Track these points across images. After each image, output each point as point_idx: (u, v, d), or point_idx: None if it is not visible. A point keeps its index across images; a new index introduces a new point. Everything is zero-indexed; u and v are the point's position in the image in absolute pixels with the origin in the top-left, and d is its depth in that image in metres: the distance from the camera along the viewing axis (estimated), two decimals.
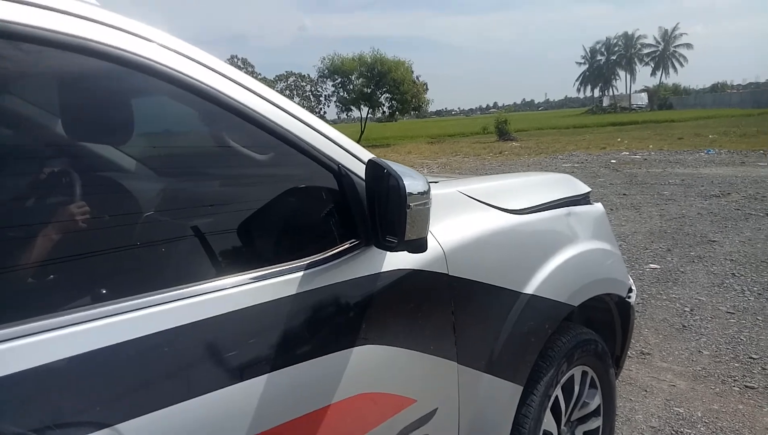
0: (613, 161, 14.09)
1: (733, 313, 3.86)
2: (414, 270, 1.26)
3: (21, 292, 0.86)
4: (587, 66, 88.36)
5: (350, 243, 1.16)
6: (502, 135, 26.65)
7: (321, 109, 33.76)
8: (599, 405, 1.99)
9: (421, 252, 1.15)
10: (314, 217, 1.18)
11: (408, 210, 1.05)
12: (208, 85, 0.98)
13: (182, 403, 0.84)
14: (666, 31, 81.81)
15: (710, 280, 4.61)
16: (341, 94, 32.90)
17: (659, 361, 3.22)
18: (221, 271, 1.00)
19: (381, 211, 1.12)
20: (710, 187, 9.27)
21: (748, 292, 4.26)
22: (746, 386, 2.89)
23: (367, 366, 1.14)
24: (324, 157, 1.15)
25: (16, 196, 0.91)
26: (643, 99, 69.78)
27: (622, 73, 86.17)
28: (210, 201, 1.15)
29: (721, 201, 8.13)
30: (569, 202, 1.90)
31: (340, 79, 32.43)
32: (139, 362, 0.82)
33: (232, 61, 32.74)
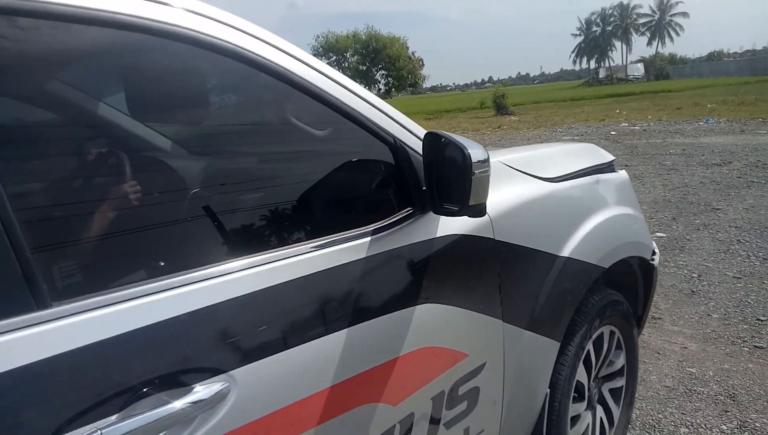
0: (612, 133, 14.11)
1: (740, 278, 3.96)
2: (464, 235, 1.35)
3: (143, 258, 0.98)
4: (583, 37, 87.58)
5: (406, 211, 1.25)
6: (499, 109, 26.54)
7: None
8: (623, 365, 2.11)
9: (481, 216, 1.25)
10: (374, 188, 1.28)
11: (472, 177, 1.13)
12: (280, 66, 1.07)
13: (279, 353, 0.95)
14: (662, 0, 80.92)
15: (716, 246, 4.70)
16: None
17: (670, 325, 3.33)
18: (299, 238, 1.10)
19: (441, 180, 1.20)
20: (711, 156, 9.33)
21: (754, 258, 4.35)
22: (755, 346, 2.99)
23: (428, 323, 1.24)
24: (381, 131, 1.23)
25: (115, 173, 1.01)
26: (639, 69, 69.35)
27: (618, 43, 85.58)
28: (285, 175, 1.25)
29: (722, 169, 8.19)
30: (597, 170, 2.00)
31: (334, 57, 32.17)
32: (246, 316, 0.94)
33: None
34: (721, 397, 2.56)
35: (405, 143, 1.26)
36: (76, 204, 0.94)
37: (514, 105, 28.11)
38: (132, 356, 0.81)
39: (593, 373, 1.94)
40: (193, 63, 1.04)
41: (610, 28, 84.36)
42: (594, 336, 1.87)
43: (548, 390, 1.66)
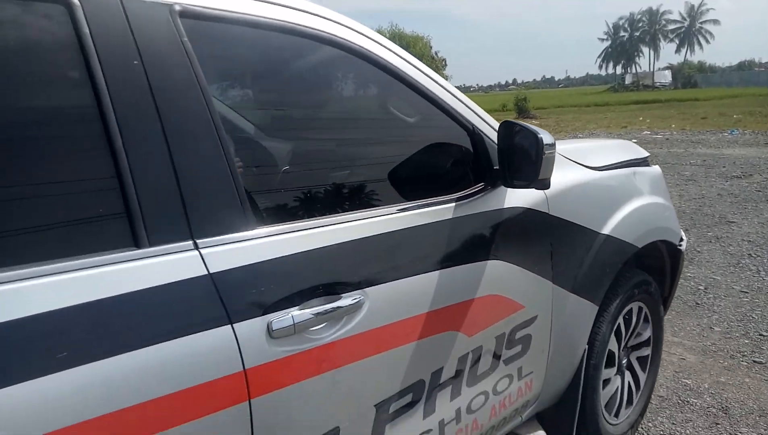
0: (633, 141, 13.96)
1: (747, 292, 3.94)
2: (526, 208, 1.65)
3: (321, 200, 1.38)
4: (609, 42, 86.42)
5: (480, 186, 1.56)
6: (521, 112, 26.42)
7: None
8: (650, 337, 2.40)
9: (546, 188, 1.55)
10: (455, 166, 1.60)
11: (543, 156, 1.41)
12: (392, 64, 1.43)
13: (396, 281, 1.29)
14: (692, 6, 79.49)
15: (726, 260, 4.67)
16: None
17: (671, 336, 3.33)
18: (403, 200, 1.43)
19: (513, 159, 1.49)
20: (732, 168, 9.21)
21: (764, 272, 4.32)
22: (754, 361, 3.00)
23: (496, 275, 1.54)
24: (462, 119, 1.56)
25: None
26: (666, 76, 68.20)
27: (645, 49, 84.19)
28: (397, 152, 1.59)
29: (742, 182, 8.10)
30: (633, 164, 2.29)
31: None
32: (377, 250, 1.30)
33: None
34: (714, 410, 2.58)
35: (480, 130, 1.58)
36: (304, 157, 1.49)
37: (537, 108, 27.96)
38: (312, 267, 1.16)
39: (623, 343, 2.24)
40: (329, 60, 1.44)
41: (638, 34, 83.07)
42: (625, 310, 2.16)
43: (586, 346, 1.95)
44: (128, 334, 0.89)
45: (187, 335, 0.94)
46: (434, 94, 1.50)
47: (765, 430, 2.42)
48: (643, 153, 2.43)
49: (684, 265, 2.66)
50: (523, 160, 1.46)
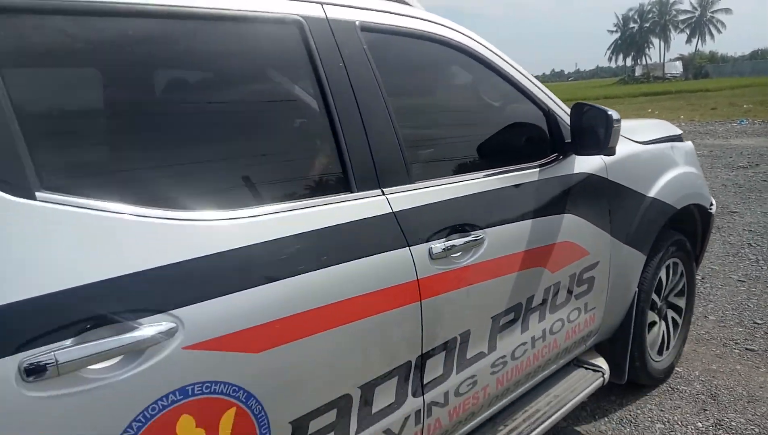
0: None
1: (744, 281, 3.95)
2: (589, 173, 2.07)
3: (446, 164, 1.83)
4: (619, 34, 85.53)
5: (554, 156, 2.00)
6: None
7: None
8: (684, 289, 2.82)
9: (612, 155, 1.98)
10: (537, 140, 2.01)
11: (612, 127, 1.83)
12: (491, 61, 1.89)
13: (504, 225, 1.73)
14: None
15: (725, 249, 4.67)
16: None
17: None
18: (499, 165, 1.83)
19: (583, 133, 1.92)
20: (738, 159, 9.14)
21: (762, 262, 4.32)
22: (747, 349, 3.01)
23: (569, 226, 1.96)
24: (541, 102, 2.01)
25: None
26: (677, 68, 67.39)
27: (655, 41, 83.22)
28: (492, 127, 1.98)
29: (747, 172, 8.04)
30: (671, 139, 2.70)
31: None
32: (489, 202, 1.73)
33: None
34: (703, 396, 2.60)
35: (554, 111, 2.04)
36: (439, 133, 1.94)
37: None
38: (452, 211, 1.60)
39: (663, 293, 2.67)
40: (448, 57, 1.87)
41: (647, 25, 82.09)
42: (665, 264, 2.58)
43: (637, 289, 2.37)
44: (351, 248, 1.33)
45: (384, 252, 1.39)
46: (524, 85, 1.97)
47: (753, 415, 2.44)
48: (678, 130, 2.84)
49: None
50: (595, 132, 1.88)
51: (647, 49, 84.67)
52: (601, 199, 2.12)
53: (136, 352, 0.96)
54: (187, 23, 1.23)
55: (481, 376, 1.73)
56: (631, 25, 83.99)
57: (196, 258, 1.06)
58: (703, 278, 4.04)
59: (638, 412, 2.53)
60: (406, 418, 1.51)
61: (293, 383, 1.21)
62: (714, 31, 78.57)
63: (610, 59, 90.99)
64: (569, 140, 2.01)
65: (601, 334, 2.34)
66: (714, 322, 3.37)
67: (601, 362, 2.32)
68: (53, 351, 0.87)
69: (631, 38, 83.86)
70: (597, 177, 2.10)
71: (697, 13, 79.33)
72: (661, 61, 79.29)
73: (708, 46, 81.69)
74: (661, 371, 2.68)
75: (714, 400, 2.57)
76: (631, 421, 2.46)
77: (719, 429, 2.37)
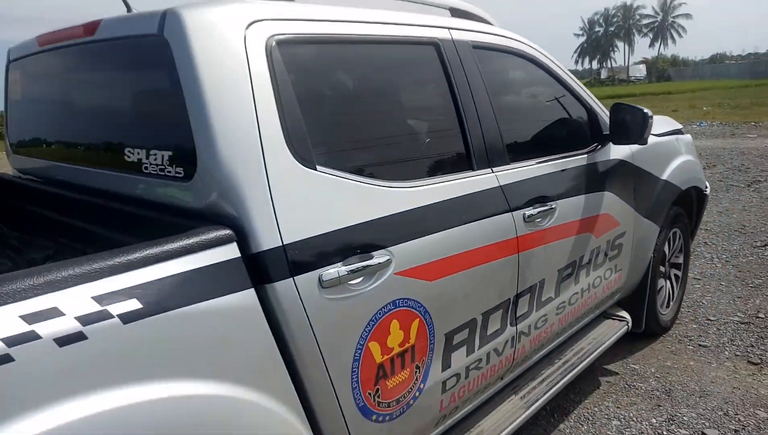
0: None
1: (699, 279, 4.07)
2: (620, 159, 2.57)
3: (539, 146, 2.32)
4: (585, 38, 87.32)
5: (595, 144, 2.49)
6: None
7: None
8: (683, 253, 3.42)
9: (645, 144, 2.49)
10: (577, 134, 2.49)
11: (649, 121, 2.35)
12: (551, 69, 2.42)
13: (565, 199, 2.20)
14: (665, 1, 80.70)
15: None
16: None
17: None
18: (560, 151, 2.30)
19: (621, 127, 2.40)
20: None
21: (717, 260, 4.46)
22: (700, 345, 3.11)
23: (607, 201, 2.46)
24: (585, 102, 2.53)
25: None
26: (641, 71, 69.14)
27: (620, 44, 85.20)
28: (554, 121, 2.47)
29: (705, 173, 8.26)
30: (676, 132, 3.20)
31: None
32: (560, 179, 2.22)
33: None
34: (658, 393, 2.67)
35: (594, 108, 2.56)
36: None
37: None
38: (534, 186, 2.06)
39: (667, 259, 3.22)
40: (523, 66, 2.39)
41: (612, 29, 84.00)
42: (670, 233, 3.16)
43: (652, 255, 2.92)
44: (478, 211, 1.81)
45: (496, 215, 1.86)
46: (573, 87, 2.48)
47: (704, 410, 2.52)
48: (679, 125, 3.35)
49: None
50: (633, 126, 2.36)
51: (612, 53, 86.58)
52: (629, 180, 2.64)
53: (371, 274, 1.45)
54: (384, 47, 1.80)
55: (550, 316, 2.24)
56: (597, 28, 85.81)
57: (398, 212, 1.56)
58: None
59: (595, 409, 2.58)
60: (506, 342, 2.01)
61: (448, 306, 1.72)
62: (675, 36, 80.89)
63: (576, 62, 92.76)
64: (606, 132, 2.49)
65: (624, 291, 2.86)
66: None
67: (624, 314, 2.86)
68: (335, 268, 1.37)
69: (597, 42, 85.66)
70: (626, 162, 2.61)
71: (660, 18, 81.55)
72: (626, 64, 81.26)
73: (670, 50, 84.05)
74: (667, 322, 3.26)
75: (668, 395, 2.65)
76: (589, 419, 2.52)
77: (672, 424, 2.44)
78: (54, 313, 0.94)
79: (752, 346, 3.06)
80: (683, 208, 3.24)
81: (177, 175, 1.37)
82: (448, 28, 1.94)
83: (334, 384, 1.40)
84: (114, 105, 1.73)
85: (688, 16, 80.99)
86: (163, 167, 1.41)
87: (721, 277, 4.08)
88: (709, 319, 3.41)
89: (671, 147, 3.04)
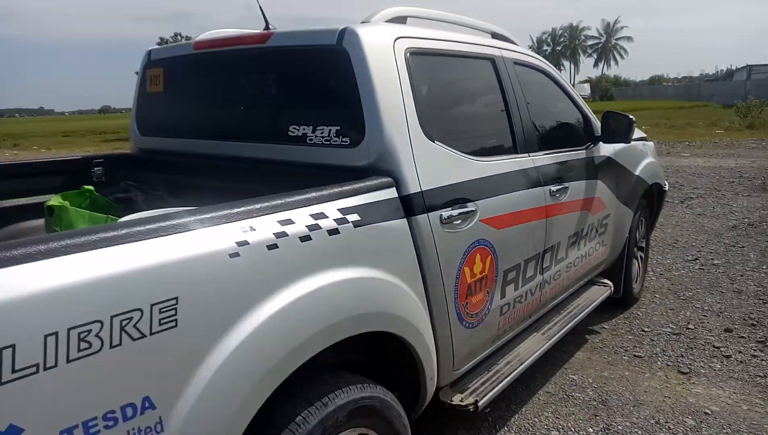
0: None
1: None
2: (607, 156, 3.27)
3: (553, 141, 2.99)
4: None
5: (589, 143, 3.16)
6: None
7: None
8: (645, 241, 4.24)
9: (629, 143, 3.32)
10: (577, 134, 3.18)
11: (632, 125, 3.12)
12: (559, 81, 3.19)
13: (570, 182, 2.84)
14: (608, 23, 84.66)
15: None
16: None
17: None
18: (567, 145, 2.98)
19: (610, 129, 3.12)
20: None
21: (651, 273, 4.67)
22: (635, 355, 3.23)
23: (598, 187, 3.14)
24: (582, 109, 3.25)
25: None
26: (586, 90, 71.52)
27: (566, 63, 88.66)
28: (561, 122, 3.19)
29: None
30: (643, 139, 4.01)
31: None
32: (568, 168, 2.87)
33: (176, 39, 31.59)
34: (595, 402, 2.76)
35: (588, 114, 3.26)
36: None
37: None
38: (551, 169, 2.71)
39: (636, 242, 3.95)
40: (543, 79, 3.05)
41: (559, 48, 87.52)
42: (638, 220, 3.89)
43: (628, 235, 3.66)
44: (523, 183, 2.43)
45: (533, 188, 2.48)
46: (574, 97, 3.22)
47: (637, 419, 2.61)
48: (644, 134, 4.12)
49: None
50: (620, 129, 3.11)
51: (559, 71, 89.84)
52: (612, 172, 3.33)
53: (466, 218, 2.05)
54: (464, 59, 2.44)
55: (562, 272, 2.88)
56: (545, 48, 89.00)
57: (480, 177, 2.17)
58: None
59: (536, 420, 2.63)
60: (536, 286, 2.62)
61: (506, 250, 2.28)
62: (618, 57, 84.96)
63: None
64: (598, 134, 3.19)
65: (607, 264, 3.59)
66: (608, 331, 3.59)
67: (607, 281, 3.58)
68: (448, 211, 1.97)
69: (545, 60, 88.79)
70: (611, 158, 3.32)
71: (603, 40, 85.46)
72: (572, 82, 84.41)
73: (613, 71, 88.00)
74: (636, 294, 4.05)
75: (605, 405, 2.73)
76: (529, 429, 2.56)
77: (608, 433, 2.51)
78: (303, 219, 1.49)
79: (682, 356, 3.21)
80: (647, 202, 4.00)
81: (343, 143, 1.96)
82: (499, 48, 2.63)
83: (445, 290, 1.97)
84: (280, 94, 2.34)
85: (629, 38, 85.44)
86: (329, 139, 1.99)
87: (655, 290, 4.27)
88: (643, 331, 3.56)
89: (641, 149, 3.84)
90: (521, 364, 2.45)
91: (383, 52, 1.93)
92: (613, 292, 3.53)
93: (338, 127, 1.97)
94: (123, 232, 1.16)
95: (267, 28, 2.41)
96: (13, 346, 0.94)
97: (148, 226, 1.20)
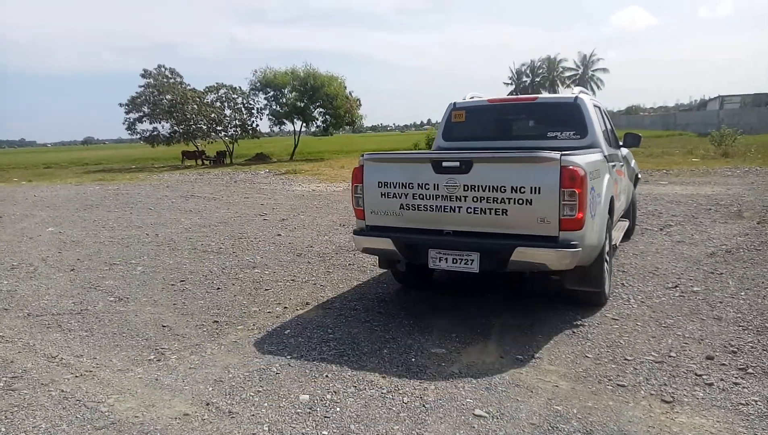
0: None
1: (618, 320, 4.27)
2: (625, 154, 6.52)
3: None
4: (514, 87, 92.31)
5: (619, 145, 6.36)
6: None
7: (253, 122, 33.02)
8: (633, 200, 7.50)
9: (638, 146, 6.47)
10: (616, 141, 6.32)
11: (641, 139, 6.43)
12: (608, 116, 6.43)
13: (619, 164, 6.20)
14: (585, 55, 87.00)
15: None
16: (274, 107, 32.40)
17: (547, 365, 3.53)
18: (618, 147, 6.34)
19: (632, 141, 6.33)
20: None
21: (633, 301, 4.70)
22: (618, 385, 3.23)
23: (624, 168, 6.23)
24: (614, 128, 6.46)
25: None
26: None
27: (545, 94, 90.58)
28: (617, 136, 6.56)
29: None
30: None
31: (272, 93, 31.99)
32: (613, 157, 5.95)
33: (160, 70, 31.58)
34: (579, 434, 2.74)
35: (614, 131, 6.36)
36: None
37: None
38: (619, 155, 6.28)
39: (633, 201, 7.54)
40: (600, 112, 6.03)
41: (538, 79, 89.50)
42: (632, 190, 7.38)
43: (632, 196, 7.22)
44: (621, 160, 6.17)
45: (620, 162, 5.94)
46: (610, 122, 6.17)
47: None
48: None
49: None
50: (632, 141, 6.28)
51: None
52: (626, 162, 6.25)
53: (613, 168, 5.23)
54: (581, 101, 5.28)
55: (615, 215, 5.17)
56: (524, 78, 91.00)
57: (612, 153, 5.43)
58: (582, 318, 4.32)
59: None
60: (619, 208, 5.51)
61: (616, 187, 5.19)
62: (595, 88, 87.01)
63: None
64: (621, 142, 6.26)
65: (624, 212, 6.52)
66: (591, 359, 3.59)
67: (627, 220, 7.00)
68: (612, 163, 5.21)
69: (524, 90, 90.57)
70: (626, 155, 6.37)
71: (581, 71, 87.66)
72: None
73: None
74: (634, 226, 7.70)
75: None
76: None
77: None
78: None
79: (665, 384, 3.22)
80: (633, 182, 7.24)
81: (574, 137, 5.13)
82: (580, 93, 5.32)
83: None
84: (542, 120, 5.51)
85: (605, 70, 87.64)
86: (568, 136, 5.17)
87: (636, 318, 4.30)
88: (626, 359, 3.56)
89: (631, 154, 7.12)
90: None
91: (589, 103, 5.21)
92: (629, 224, 7.00)
93: (574, 132, 5.14)
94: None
95: (535, 93, 4.54)
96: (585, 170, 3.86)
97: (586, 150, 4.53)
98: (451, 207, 4.01)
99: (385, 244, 4.29)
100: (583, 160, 3.82)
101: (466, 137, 5.59)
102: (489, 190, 3.86)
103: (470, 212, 3.95)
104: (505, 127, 5.56)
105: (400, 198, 4.22)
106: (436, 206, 4.06)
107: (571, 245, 3.72)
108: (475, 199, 3.92)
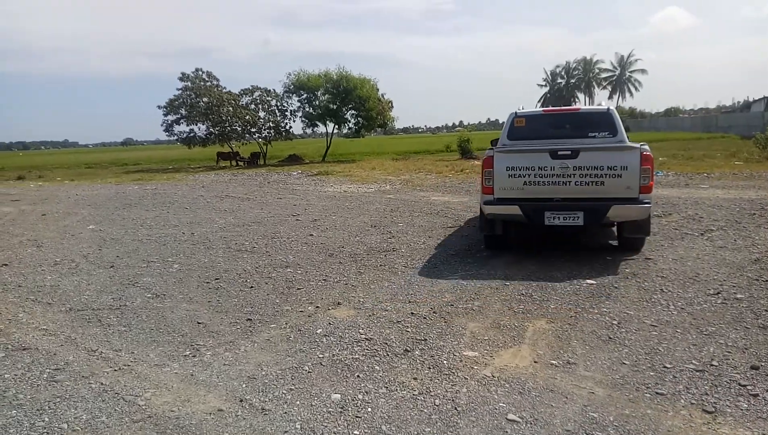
0: None
1: (656, 326, 4.14)
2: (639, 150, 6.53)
3: None
4: (548, 88, 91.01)
5: (632, 144, 6.66)
6: (464, 153, 27.18)
7: (287, 124, 33.41)
8: None
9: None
10: (630, 142, 7.01)
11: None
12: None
13: None
14: (622, 57, 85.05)
15: (640, 295, 4.91)
16: (307, 109, 32.78)
17: (583, 370, 3.45)
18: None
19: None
20: (654, 208, 9.73)
21: (672, 307, 4.56)
22: (657, 393, 3.13)
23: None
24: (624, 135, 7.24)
25: None
26: None
27: (581, 95, 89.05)
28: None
29: (662, 221, 8.57)
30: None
31: (305, 95, 32.35)
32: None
33: (197, 73, 32.29)
34: None
35: (623, 134, 7.11)
36: None
37: (479, 149, 28.75)
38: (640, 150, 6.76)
39: None
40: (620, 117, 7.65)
41: (573, 81, 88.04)
42: None
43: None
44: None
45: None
46: (620, 127, 7.11)
47: None
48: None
49: (601, 298, 4.69)
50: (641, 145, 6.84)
51: (574, 103, 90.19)
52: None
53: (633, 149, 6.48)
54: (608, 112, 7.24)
55: None
56: (559, 80, 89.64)
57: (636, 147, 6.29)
58: (619, 323, 4.22)
59: None
60: None
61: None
62: (632, 89, 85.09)
63: None
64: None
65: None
66: (629, 366, 3.50)
67: None
68: (638, 145, 6.34)
69: (559, 92, 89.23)
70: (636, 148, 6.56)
71: (617, 72, 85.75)
72: None
73: (628, 102, 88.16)
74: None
75: None
76: None
77: None
78: None
79: (707, 394, 3.11)
80: None
81: (607, 136, 6.94)
82: (608, 107, 7.29)
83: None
84: (583, 125, 7.20)
85: (644, 71, 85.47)
86: (604, 135, 6.96)
87: (676, 325, 4.17)
88: (665, 367, 3.46)
89: None
90: None
91: (615, 112, 7.20)
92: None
93: (607, 132, 6.96)
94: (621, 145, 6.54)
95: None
96: None
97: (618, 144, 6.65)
98: (563, 181, 6.02)
99: (514, 210, 6.22)
100: (648, 148, 6.05)
101: (526, 137, 7.23)
102: (592, 169, 5.95)
103: (578, 185, 5.99)
104: (556, 129, 7.43)
105: (524, 177, 6.17)
106: (551, 181, 6.07)
107: (647, 202, 5.90)
108: (581, 175, 5.98)
